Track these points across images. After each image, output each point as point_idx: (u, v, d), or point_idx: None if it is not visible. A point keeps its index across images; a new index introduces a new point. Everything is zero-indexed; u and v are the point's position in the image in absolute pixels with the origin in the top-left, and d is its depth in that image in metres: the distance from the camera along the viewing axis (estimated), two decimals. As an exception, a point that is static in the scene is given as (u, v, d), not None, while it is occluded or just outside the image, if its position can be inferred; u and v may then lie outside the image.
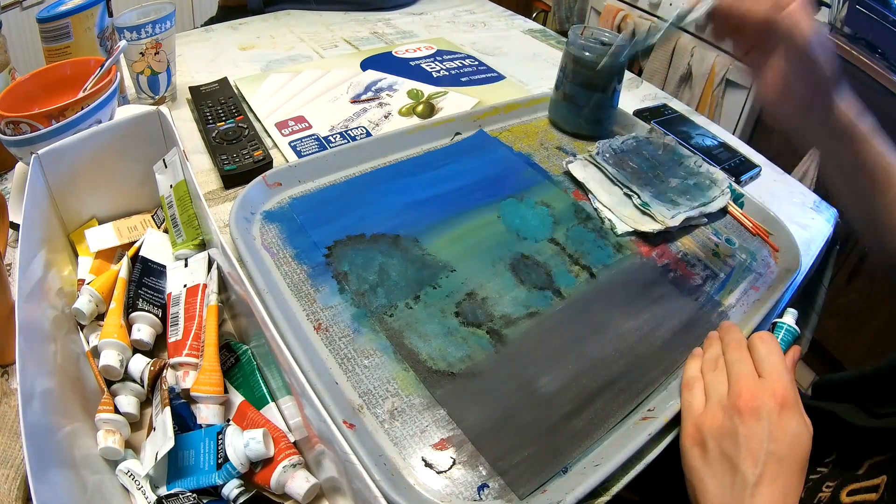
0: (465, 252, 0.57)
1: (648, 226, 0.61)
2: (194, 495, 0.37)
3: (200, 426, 0.41)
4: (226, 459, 0.37)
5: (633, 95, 0.94)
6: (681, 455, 0.41)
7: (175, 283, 0.49)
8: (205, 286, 0.48)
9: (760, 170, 0.77)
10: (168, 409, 0.38)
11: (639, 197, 0.63)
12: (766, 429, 0.38)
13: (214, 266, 0.50)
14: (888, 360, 0.49)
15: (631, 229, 0.61)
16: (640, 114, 0.84)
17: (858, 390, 0.51)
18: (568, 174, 0.68)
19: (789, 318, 0.50)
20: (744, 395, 0.40)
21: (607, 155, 0.69)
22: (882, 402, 0.47)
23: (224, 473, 0.37)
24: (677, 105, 0.91)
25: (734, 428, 0.39)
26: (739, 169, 0.76)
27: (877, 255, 0.54)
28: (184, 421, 0.41)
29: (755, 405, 0.39)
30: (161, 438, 0.37)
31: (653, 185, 0.66)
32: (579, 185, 0.67)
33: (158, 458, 0.36)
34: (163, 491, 0.37)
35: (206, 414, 0.41)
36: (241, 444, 0.38)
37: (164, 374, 0.41)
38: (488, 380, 0.46)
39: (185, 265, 0.51)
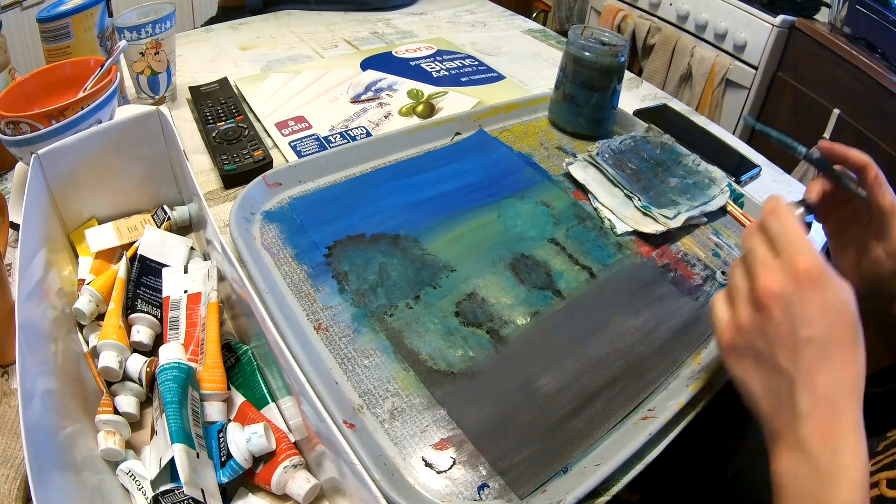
0: (465, 252, 0.57)
1: (650, 227, 0.61)
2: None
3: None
4: (229, 456, 0.38)
5: (633, 95, 0.94)
6: (726, 370, 0.38)
7: (174, 287, 0.48)
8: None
9: (760, 170, 0.77)
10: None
11: (640, 199, 0.63)
12: (796, 313, 0.33)
13: (214, 264, 0.50)
14: None
15: (631, 229, 0.61)
16: (640, 114, 0.83)
17: (880, 375, 0.46)
18: (568, 175, 0.68)
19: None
20: (761, 283, 0.35)
21: (606, 156, 0.69)
22: None
23: (228, 470, 0.37)
24: (678, 105, 0.91)
25: (761, 324, 0.35)
26: (739, 169, 0.76)
27: None
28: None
29: (776, 291, 0.34)
30: (164, 443, 0.36)
31: (652, 186, 0.66)
32: (579, 186, 0.67)
33: (163, 465, 0.36)
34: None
35: (210, 411, 0.41)
36: (243, 439, 0.38)
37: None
38: (488, 380, 0.46)
39: (185, 271, 0.51)
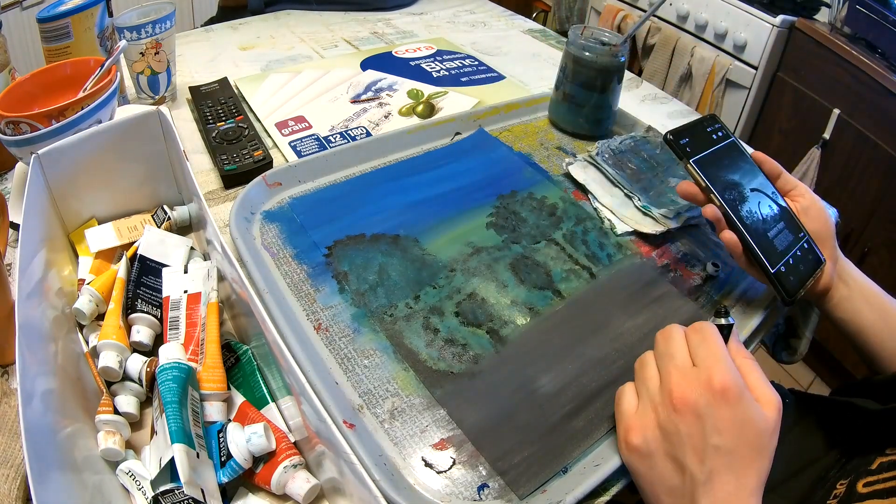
0: (465, 252, 0.57)
1: (650, 227, 0.61)
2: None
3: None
4: (229, 456, 0.37)
5: (633, 95, 0.94)
6: (626, 466, 0.39)
7: (174, 287, 0.48)
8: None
9: None
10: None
11: (640, 199, 0.63)
12: (708, 423, 0.35)
13: (214, 264, 0.50)
14: None
15: (631, 229, 0.61)
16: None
17: (881, 390, 0.49)
18: (568, 175, 0.68)
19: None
20: (675, 390, 0.37)
21: (606, 156, 0.69)
22: None
23: (228, 470, 0.37)
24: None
25: (674, 426, 0.36)
26: None
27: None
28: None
29: (690, 399, 0.36)
30: (164, 443, 0.36)
31: (652, 186, 0.66)
32: (579, 186, 0.67)
33: (163, 465, 0.36)
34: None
35: (210, 411, 0.41)
36: (243, 439, 0.38)
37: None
38: (488, 380, 0.46)
39: (185, 271, 0.51)
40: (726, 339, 0.40)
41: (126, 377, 0.43)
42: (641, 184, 0.66)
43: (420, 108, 0.81)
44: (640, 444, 0.38)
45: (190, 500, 0.35)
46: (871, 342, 0.50)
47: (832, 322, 0.53)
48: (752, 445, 0.35)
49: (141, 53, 0.72)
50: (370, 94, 0.84)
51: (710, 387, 0.36)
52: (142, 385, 0.43)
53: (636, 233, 0.61)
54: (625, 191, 0.65)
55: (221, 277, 0.49)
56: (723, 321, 0.42)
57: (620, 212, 0.63)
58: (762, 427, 0.36)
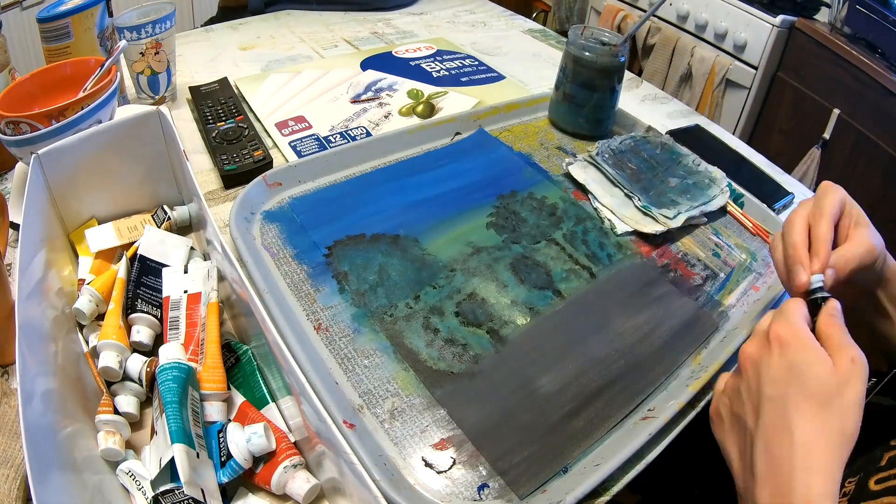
0: (465, 252, 0.57)
1: (650, 227, 0.61)
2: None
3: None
4: (229, 456, 0.37)
5: (633, 95, 0.94)
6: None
7: (174, 287, 0.48)
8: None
9: (793, 197, 0.73)
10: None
11: (640, 199, 0.63)
12: (763, 373, 0.34)
13: (214, 264, 0.50)
14: None
15: (631, 229, 0.61)
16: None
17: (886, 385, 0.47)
18: (568, 175, 0.68)
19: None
20: (742, 348, 0.37)
21: (606, 156, 0.69)
22: None
23: (228, 470, 0.37)
24: (716, 129, 0.85)
25: (737, 385, 0.36)
26: (772, 196, 0.71)
27: None
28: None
29: (751, 354, 0.36)
30: (164, 443, 0.36)
31: (652, 186, 0.66)
32: (579, 186, 0.67)
33: (163, 465, 0.36)
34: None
35: (210, 411, 0.41)
36: (244, 439, 0.38)
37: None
38: (488, 380, 0.46)
39: (185, 271, 0.51)
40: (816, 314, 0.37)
41: (126, 377, 0.43)
42: (641, 184, 0.66)
43: (420, 108, 0.81)
44: (714, 409, 0.38)
45: (190, 500, 0.35)
46: None
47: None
48: (810, 394, 0.31)
49: (141, 53, 0.72)
50: (370, 94, 0.84)
51: (766, 338, 0.35)
52: (142, 385, 0.43)
53: (636, 233, 0.61)
54: (625, 191, 0.65)
55: (221, 277, 0.49)
56: (818, 295, 0.38)
57: (621, 212, 0.63)
58: (824, 375, 0.32)
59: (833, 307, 0.37)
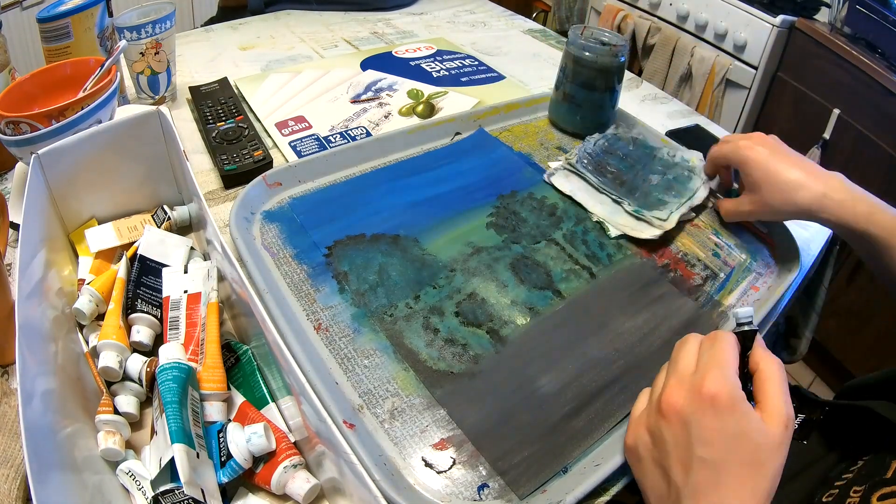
0: (465, 252, 0.57)
1: (647, 233, 0.60)
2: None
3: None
4: (229, 456, 0.38)
5: (634, 95, 0.94)
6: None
7: (174, 287, 0.48)
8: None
9: None
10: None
11: (629, 204, 0.63)
12: (694, 432, 0.33)
13: (214, 264, 0.50)
14: None
15: (621, 232, 0.61)
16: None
17: (888, 390, 0.47)
18: (551, 186, 0.66)
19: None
20: (664, 395, 0.35)
21: (585, 161, 0.67)
22: None
23: (228, 471, 0.37)
24: (715, 129, 0.87)
25: (660, 432, 0.35)
26: None
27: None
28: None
29: (677, 404, 0.34)
30: (164, 443, 0.36)
31: (636, 186, 0.65)
32: (569, 196, 0.65)
33: (163, 465, 0.36)
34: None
35: (210, 411, 0.41)
36: (243, 439, 0.38)
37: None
38: (488, 380, 0.46)
39: (185, 271, 0.51)
40: (750, 347, 0.37)
41: (126, 377, 0.43)
42: (626, 186, 0.65)
43: (420, 108, 0.81)
44: (631, 445, 0.38)
45: (190, 500, 0.35)
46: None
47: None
48: (744, 461, 0.32)
49: (141, 53, 0.72)
50: (370, 94, 0.84)
51: (699, 393, 0.34)
52: (142, 385, 0.43)
53: (634, 239, 0.61)
54: (612, 197, 0.64)
55: (221, 277, 0.49)
56: (745, 328, 0.38)
57: (614, 219, 0.62)
58: (759, 442, 0.32)
59: (760, 340, 0.38)
